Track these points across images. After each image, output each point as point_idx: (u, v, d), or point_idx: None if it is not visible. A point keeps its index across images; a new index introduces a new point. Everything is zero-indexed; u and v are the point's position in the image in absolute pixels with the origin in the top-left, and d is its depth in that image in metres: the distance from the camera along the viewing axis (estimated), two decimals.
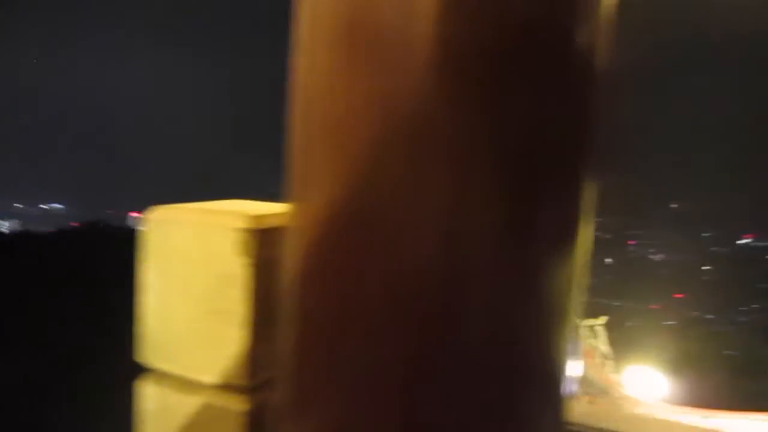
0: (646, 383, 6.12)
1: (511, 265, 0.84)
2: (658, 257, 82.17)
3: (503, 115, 0.81)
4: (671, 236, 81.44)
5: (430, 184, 0.81)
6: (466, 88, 0.78)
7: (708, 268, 75.91)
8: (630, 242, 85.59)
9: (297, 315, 0.89)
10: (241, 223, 1.15)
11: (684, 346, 26.92)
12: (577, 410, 5.49)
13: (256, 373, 1.17)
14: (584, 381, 6.61)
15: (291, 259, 0.91)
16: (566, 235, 0.89)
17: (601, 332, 6.94)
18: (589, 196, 0.92)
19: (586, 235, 0.92)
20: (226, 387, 1.20)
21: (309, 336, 0.88)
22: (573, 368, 0.95)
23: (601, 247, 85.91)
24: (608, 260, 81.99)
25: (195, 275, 1.18)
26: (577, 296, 0.91)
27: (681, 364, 19.30)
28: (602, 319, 7.16)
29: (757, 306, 60.58)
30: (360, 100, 0.80)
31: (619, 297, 67.41)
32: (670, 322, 62.36)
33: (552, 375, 0.89)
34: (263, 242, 1.14)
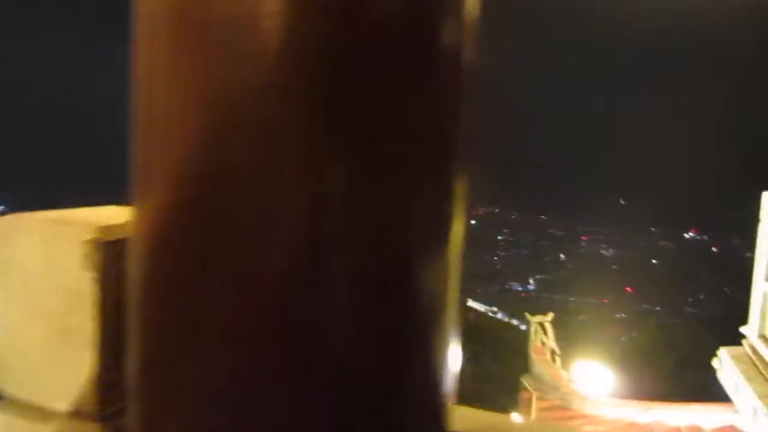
0: (594, 378, 6.22)
1: (378, 265, 0.76)
2: (609, 252, 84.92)
3: (358, 108, 0.73)
4: (621, 232, 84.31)
5: (286, 181, 0.72)
6: (315, 81, 0.71)
7: (656, 262, 79.03)
8: (583, 238, 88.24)
9: (139, 329, 0.79)
10: (89, 234, 1.04)
11: (634, 339, 27.77)
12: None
13: (109, 399, 1.06)
14: (534, 377, 6.66)
15: (134, 267, 0.80)
16: (436, 234, 0.81)
17: (550, 329, 7.02)
18: (460, 191, 0.85)
19: (458, 232, 0.84)
20: (77, 414, 1.08)
21: (152, 351, 0.78)
22: (453, 371, 0.88)
23: (555, 243, 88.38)
24: (562, 256, 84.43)
25: (41, 291, 1.07)
26: (453, 295, 0.84)
27: (631, 356, 19.86)
28: (550, 316, 7.23)
29: (703, 297, 63.29)
30: (199, 94, 0.72)
31: (574, 292, 69.50)
32: (621, 315, 64.62)
33: (428, 379, 0.82)
34: (114, 254, 1.03)
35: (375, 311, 0.75)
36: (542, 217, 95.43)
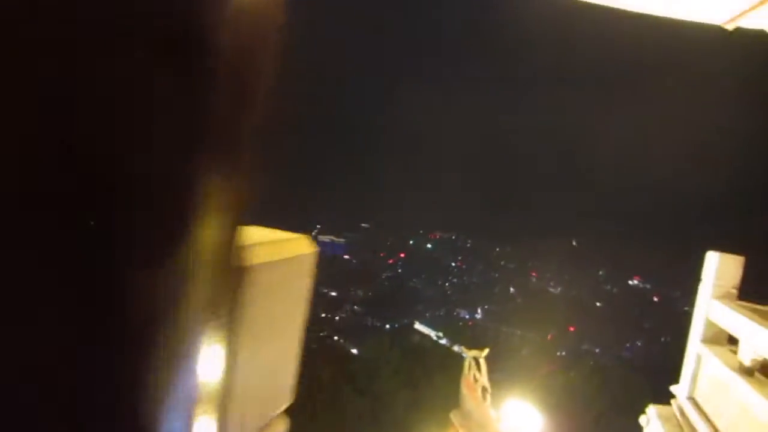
0: (523, 419, 6.06)
1: (79, 283, 0.55)
2: (557, 290, 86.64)
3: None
4: (570, 272, 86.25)
5: None
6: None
7: (600, 304, 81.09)
8: (533, 273, 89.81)
9: None
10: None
11: (571, 378, 28.05)
12: None
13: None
14: (463, 413, 6.45)
15: None
16: (167, 249, 0.61)
17: (483, 365, 6.82)
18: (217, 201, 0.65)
19: (212, 247, 0.64)
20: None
21: None
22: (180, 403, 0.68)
23: (506, 275, 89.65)
24: (512, 289, 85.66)
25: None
26: (198, 315, 0.64)
27: (566, 396, 19.97)
28: (485, 351, 7.05)
29: (640, 344, 65.06)
30: None
31: (519, 325, 70.49)
32: (561, 353, 65.78)
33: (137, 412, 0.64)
34: None
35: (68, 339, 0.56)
36: (497, 249, 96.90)
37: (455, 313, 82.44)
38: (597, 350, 67.82)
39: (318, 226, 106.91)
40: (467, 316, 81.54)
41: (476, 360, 6.89)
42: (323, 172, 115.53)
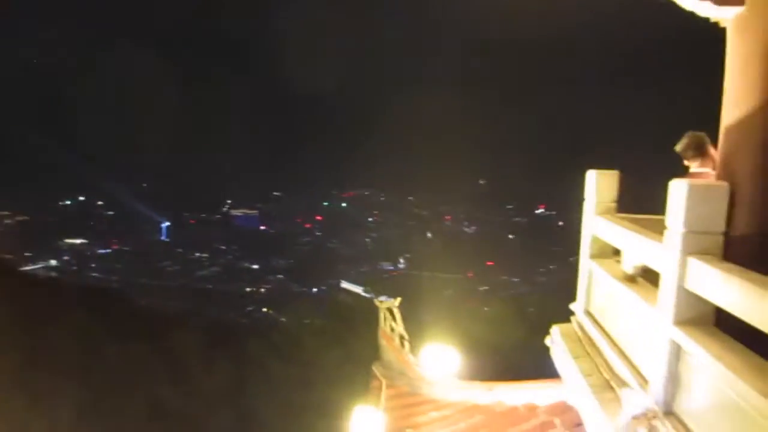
0: (442, 361, 6.17)
1: None
2: (471, 229, 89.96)
3: None
4: (481, 210, 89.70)
5: None
6: None
7: (512, 236, 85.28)
8: (446, 217, 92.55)
9: None
10: None
11: (492, 309, 29.41)
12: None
13: None
14: (384, 364, 6.48)
15: None
16: None
17: (398, 314, 6.85)
18: None
19: None
20: None
21: None
22: None
23: (421, 223, 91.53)
24: (429, 235, 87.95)
25: None
26: None
27: (488, 328, 20.92)
28: (397, 301, 7.08)
29: (553, 267, 69.30)
30: None
31: (440, 268, 72.84)
32: (484, 288, 68.96)
33: None
34: None
35: None
36: (409, 198, 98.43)
37: (378, 267, 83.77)
38: (515, 279, 71.60)
39: (229, 201, 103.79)
40: (391, 268, 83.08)
41: (390, 310, 6.90)
42: (221, 148, 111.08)
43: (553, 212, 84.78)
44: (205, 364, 18.61)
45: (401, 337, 6.55)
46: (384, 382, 5.71)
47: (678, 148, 3.89)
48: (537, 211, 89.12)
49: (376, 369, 6.15)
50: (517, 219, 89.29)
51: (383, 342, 6.55)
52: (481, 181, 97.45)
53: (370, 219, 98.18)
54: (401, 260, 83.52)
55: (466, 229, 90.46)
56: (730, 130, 3.04)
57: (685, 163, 3.91)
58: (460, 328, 18.17)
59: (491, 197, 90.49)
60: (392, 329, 6.74)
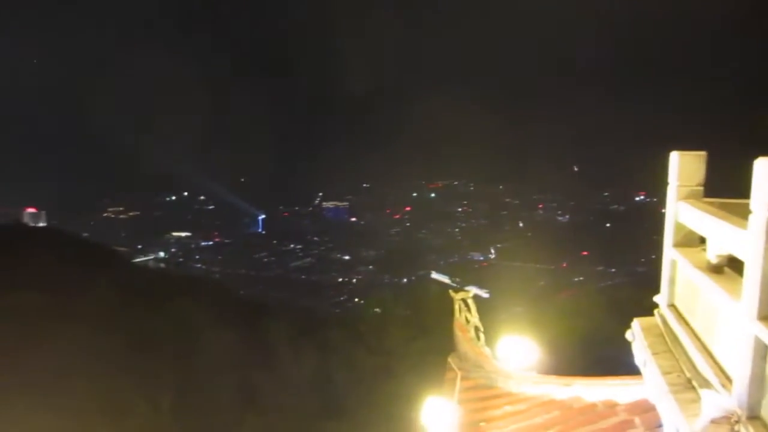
0: (518, 353, 5.96)
1: None
2: (565, 218, 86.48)
3: None
4: (575, 198, 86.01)
5: None
6: None
7: (609, 225, 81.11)
8: (539, 206, 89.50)
9: None
10: None
11: (590, 300, 28.18)
12: None
13: None
14: (459, 356, 6.37)
15: None
16: None
17: (472, 305, 6.68)
18: None
19: None
20: None
21: None
22: None
23: (512, 212, 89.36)
24: (521, 224, 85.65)
25: None
26: None
27: (578, 320, 20.03)
28: (471, 292, 6.90)
29: (654, 257, 65.12)
30: None
31: (533, 258, 70.77)
32: (579, 279, 66.19)
33: None
34: None
35: None
36: (500, 186, 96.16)
37: (468, 257, 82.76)
38: (612, 270, 68.17)
39: (320, 194, 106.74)
40: (481, 258, 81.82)
41: (465, 301, 6.77)
42: (315, 143, 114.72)
43: (654, 199, 79.61)
44: (294, 353, 19.34)
45: (476, 329, 6.42)
46: (459, 374, 5.62)
47: None
48: (636, 199, 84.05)
49: (452, 360, 6.06)
50: (614, 207, 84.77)
51: (458, 333, 6.44)
52: (576, 168, 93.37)
53: (459, 209, 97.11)
54: (492, 250, 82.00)
55: (560, 218, 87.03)
56: None
57: None
58: (552, 320, 17.59)
59: (586, 184, 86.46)
60: (467, 320, 6.61)
